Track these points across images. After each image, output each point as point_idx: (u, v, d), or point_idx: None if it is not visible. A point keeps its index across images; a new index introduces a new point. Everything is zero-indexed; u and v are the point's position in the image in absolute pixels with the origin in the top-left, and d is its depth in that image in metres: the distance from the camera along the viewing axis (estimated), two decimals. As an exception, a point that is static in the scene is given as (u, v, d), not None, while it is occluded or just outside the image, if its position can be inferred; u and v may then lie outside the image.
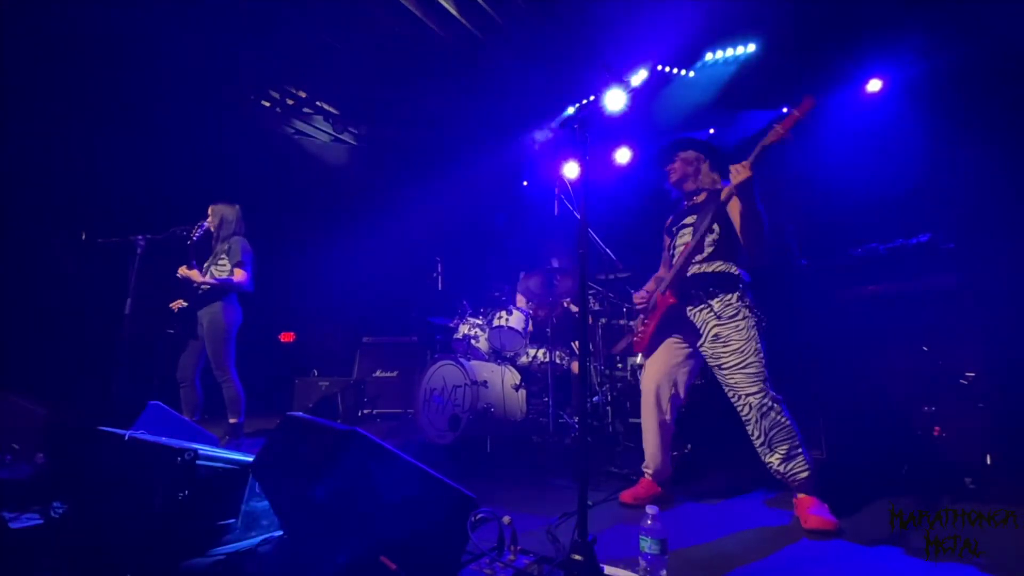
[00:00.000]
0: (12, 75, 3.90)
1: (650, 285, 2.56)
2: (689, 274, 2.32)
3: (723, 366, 2.18)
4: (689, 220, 2.41)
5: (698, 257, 2.31)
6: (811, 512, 2.02)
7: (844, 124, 4.10)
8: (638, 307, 2.53)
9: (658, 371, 2.41)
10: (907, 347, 2.87)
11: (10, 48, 3.80)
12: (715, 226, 2.29)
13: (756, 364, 2.13)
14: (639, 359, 3.72)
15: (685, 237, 2.39)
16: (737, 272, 2.27)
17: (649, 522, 1.56)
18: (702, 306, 2.27)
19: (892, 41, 3.78)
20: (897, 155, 3.73)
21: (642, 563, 1.55)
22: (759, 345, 2.15)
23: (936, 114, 3.67)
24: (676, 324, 2.38)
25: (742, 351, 2.14)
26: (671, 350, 2.41)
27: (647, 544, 1.54)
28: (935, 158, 3.55)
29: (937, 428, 2.66)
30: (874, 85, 3.97)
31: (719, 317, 2.21)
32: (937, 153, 3.56)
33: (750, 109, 4.55)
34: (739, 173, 2.07)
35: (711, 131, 4.86)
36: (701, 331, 2.27)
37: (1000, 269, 2.85)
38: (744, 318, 2.18)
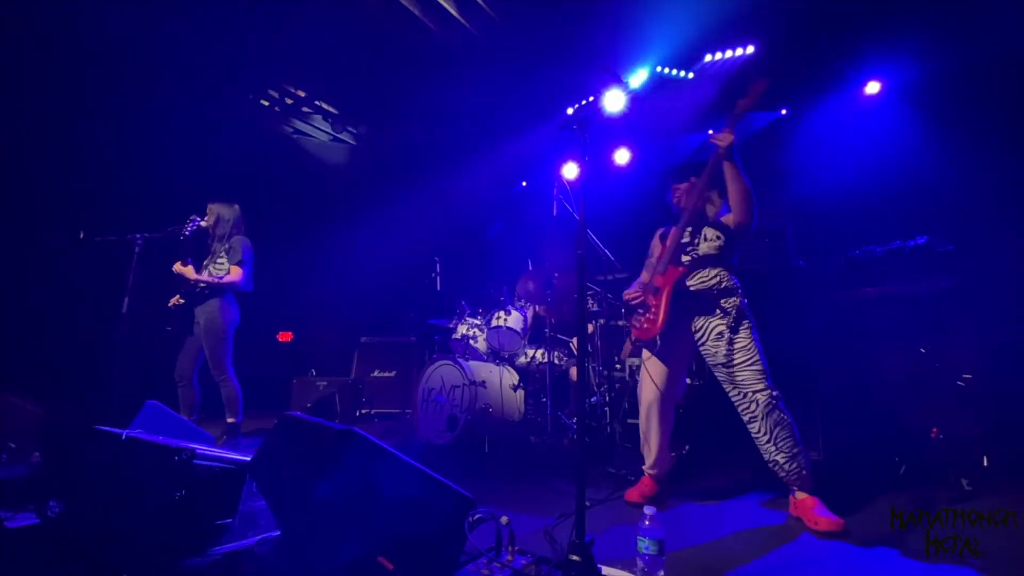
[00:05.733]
0: (10, 73, 3.89)
1: (636, 289, 2.51)
2: (693, 289, 2.33)
3: (731, 363, 2.20)
4: (686, 237, 2.43)
5: (698, 271, 2.34)
6: (816, 513, 2.02)
7: (842, 126, 4.11)
8: (632, 303, 2.46)
9: (660, 372, 2.42)
10: (904, 349, 2.88)
11: (8, 46, 3.79)
12: (712, 233, 2.36)
13: (760, 362, 2.18)
14: (639, 360, 3.72)
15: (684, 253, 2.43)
16: (733, 280, 2.33)
17: (647, 523, 1.56)
18: (714, 310, 2.29)
19: (890, 44, 3.79)
20: (895, 157, 3.75)
21: (640, 564, 1.55)
22: (759, 345, 2.22)
23: (934, 116, 3.68)
24: (677, 325, 2.36)
25: (749, 348, 2.19)
26: (673, 350, 2.41)
27: (645, 545, 1.54)
28: (933, 160, 3.57)
29: (935, 429, 2.66)
30: (872, 87, 3.98)
31: (725, 315, 2.25)
32: (935, 155, 3.57)
33: (749, 111, 4.55)
34: (725, 137, 2.24)
35: (710, 132, 4.87)
36: (705, 331, 2.29)
37: (997, 272, 2.86)
38: (746, 318, 2.25)
